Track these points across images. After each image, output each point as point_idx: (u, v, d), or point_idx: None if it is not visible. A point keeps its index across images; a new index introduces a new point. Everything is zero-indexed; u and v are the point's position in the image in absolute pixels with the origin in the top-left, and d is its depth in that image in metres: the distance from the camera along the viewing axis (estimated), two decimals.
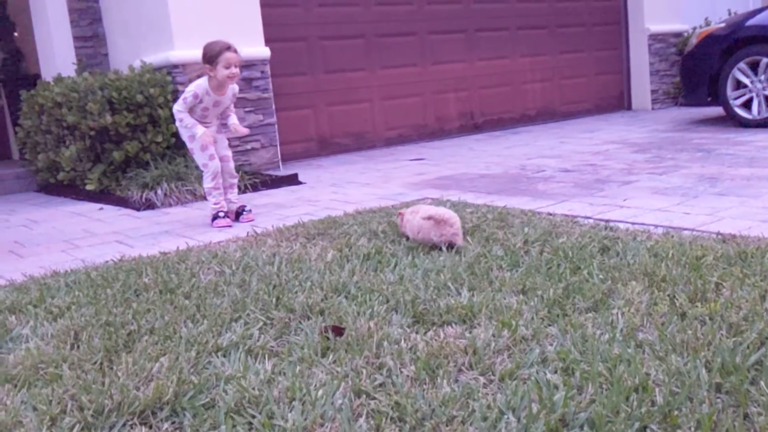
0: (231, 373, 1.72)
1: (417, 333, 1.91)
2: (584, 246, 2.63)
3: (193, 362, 1.81)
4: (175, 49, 5.39)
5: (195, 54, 5.39)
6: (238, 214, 3.95)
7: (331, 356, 1.79)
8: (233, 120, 3.96)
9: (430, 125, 7.48)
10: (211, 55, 3.71)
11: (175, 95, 5.35)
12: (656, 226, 2.97)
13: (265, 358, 1.82)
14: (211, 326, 2.05)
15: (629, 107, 9.03)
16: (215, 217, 3.85)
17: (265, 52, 5.79)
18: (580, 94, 8.60)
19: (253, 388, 1.62)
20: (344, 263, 2.66)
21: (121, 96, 5.05)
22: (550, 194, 3.95)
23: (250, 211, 3.98)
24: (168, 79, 5.32)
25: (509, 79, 8.00)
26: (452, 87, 7.57)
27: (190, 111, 3.83)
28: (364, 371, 1.68)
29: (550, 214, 3.36)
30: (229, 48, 3.71)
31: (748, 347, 1.61)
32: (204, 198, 4.70)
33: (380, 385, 1.62)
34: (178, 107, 3.82)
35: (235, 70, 3.74)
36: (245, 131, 4.02)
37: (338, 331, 1.94)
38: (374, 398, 1.55)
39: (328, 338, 1.90)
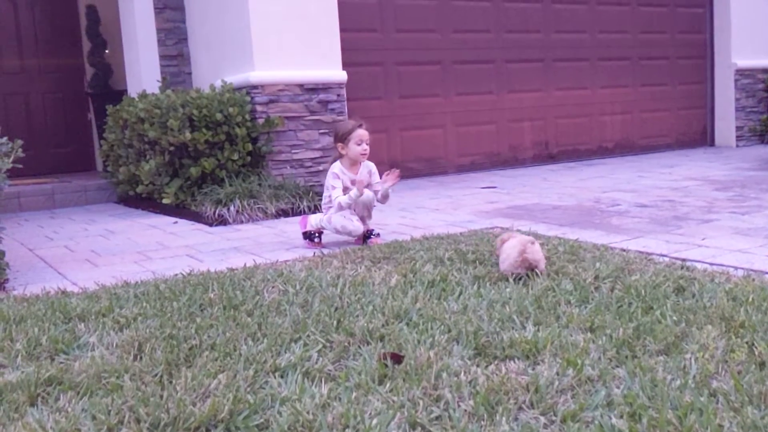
0: (286, 395, 1.71)
1: (478, 366, 1.86)
2: (658, 285, 2.52)
3: (250, 381, 1.81)
4: (256, 69, 5.52)
5: (274, 75, 5.57)
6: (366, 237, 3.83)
7: (388, 384, 1.76)
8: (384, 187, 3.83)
9: (504, 153, 7.40)
10: (344, 133, 3.76)
11: (253, 115, 5.48)
12: (736, 268, 2.82)
13: (321, 381, 1.81)
14: (270, 345, 2.06)
15: (712, 143, 8.71)
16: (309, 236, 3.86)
17: (341, 75, 5.87)
18: (660, 127, 8.36)
19: (308, 412, 1.60)
20: (408, 289, 2.63)
21: (201, 114, 5.20)
22: (624, 229, 3.82)
23: (378, 234, 3.86)
24: (246, 99, 5.45)
25: (587, 110, 7.86)
26: (528, 116, 7.49)
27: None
28: (421, 402, 1.64)
29: (624, 250, 3.25)
30: (360, 125, 3.76)
31: None
32: (275, 216, 4.79)
33: (437, 418, 1.57)
34: (336, 195, 3.73)
35: (367, 147, 3.77)
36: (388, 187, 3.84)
37: (397, 358, 1.91)
38: (429, 431, 1.51)
39: (386, 365, 1.87)
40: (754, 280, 2.58)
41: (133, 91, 6.34)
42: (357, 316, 2.31)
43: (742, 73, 8.44)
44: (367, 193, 3.74)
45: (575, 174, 6.61)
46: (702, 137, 8.72)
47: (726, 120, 8.55)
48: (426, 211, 4.81)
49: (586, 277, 2.70)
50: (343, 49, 5.93)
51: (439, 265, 3.04)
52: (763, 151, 7.79)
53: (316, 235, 3.82)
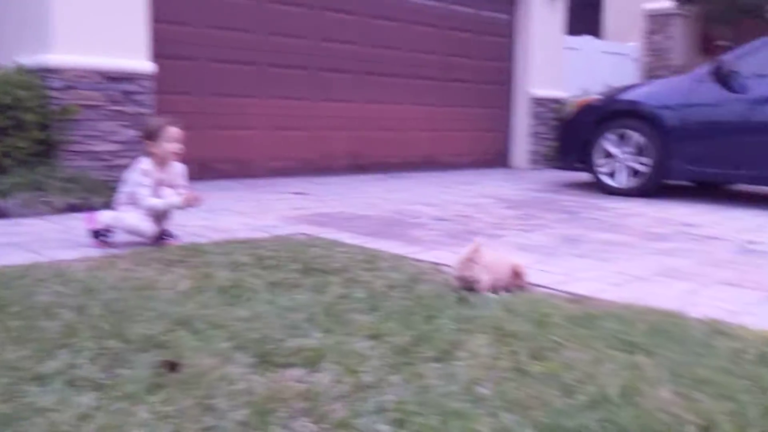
0: (45, 405, 1.58)
1: (257, 374, 1.84)
2: (443, 295, 2.65)
3: (5, 389, 1.65)
4: (53, 52, 5.11)
5: (74, 60, 5.18)
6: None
7: (160, 394, 1.68)
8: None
9: (316, 161, 7.45)
10: (154, 130, 3.60)
11: (48, 101, 5.07)
12: None
13: (87, 390, 1.69)
14: (34, 351, 1.89)
15: (508, 165, 9.39)
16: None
17: (148, 66, 5.61)
18: (463, 147, 8.86)
19: (66, 423, 1.49)
20: (197, 294, 2.55)
21: None
22: (421, 241, 3.99)
23: (175, 236, 3.72)
24: (40, 83, 5.03)
25: (398, 124, 8.13)
26: (342, 126, 7.60)
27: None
28: (192, 412, 1.58)
29: (418, 261, 3.38)
30: (172, 123, 3.64)
31: (576, 409, 1.65)
32: (64, 211, 4.44)
33: (206, 428, 1.53)
34: (144, 194, 3.54)
35: (179, 146, 3.64)
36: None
37: (173, 367, 1.83)
38: None
39: (161, 374, 1.78)
40: (528, 292, 2.80)
41: None
42: (137, 321, 2.19)
43: (537, 101, 9.18)
44: (177, 200, 3.61)
45: (383, 186, 6.81)
46: (500, 159, 9.36)
47: (521, 144, 9.25)
48: (230, 214, 4.71)
49: (379, 286, 2.77)
50: (154, 40, 5.66)
51: (236, 270, 2.98)
52: (551, 175, 8.52)
53: (106, 233, 3.59)
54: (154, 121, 3.70)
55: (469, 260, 2.73)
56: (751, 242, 4.22)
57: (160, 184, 3.63)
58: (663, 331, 2.28)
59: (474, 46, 8.78)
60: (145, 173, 3.58)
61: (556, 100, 9.35)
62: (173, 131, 3.62)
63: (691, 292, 2.97)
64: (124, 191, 3.63)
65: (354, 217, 4.82)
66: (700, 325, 2.39)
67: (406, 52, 8.08)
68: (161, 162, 3.64)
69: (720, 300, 2.86)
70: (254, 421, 1.56)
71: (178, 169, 3.75)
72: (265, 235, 3.93)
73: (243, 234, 3.92)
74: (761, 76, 5.87)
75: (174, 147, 3.62)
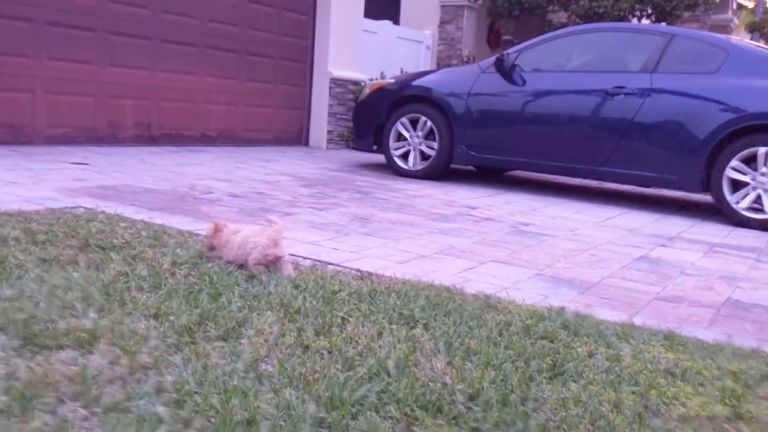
0: None
1: (21, 357, 1.69)
2: (231, 272, 2.61)
3: None
4: None
5: None
6: None
7: None
8: None
9: (102, 129, 6.97)
10: None
11: None
12: (305, 258, 3.07)
13: None
14: None
15: (307, 143, 9.45)
16: None
17: None
18: (262, 123, 8.76)
19: None
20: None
21: None
22: (213, 216, 3.88)
23: None
24: None
25: (193, 96, 7.84)
26: (131, 94, 7.17)
27: None
28: None
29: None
30: None
31: (356, 382, 1.71)
32: None
33: None
34: None
35: None
36: None
37: None
38: None
39: None
40: (318, 270, 2.84)
41: None
42: None
43: (336, 82, 9.31)
44: None
45: (176, 159, 6.54)
46: (299, 137, 9.39)
47: (320, 123, 9.34)
48: (0, 184, 4.26)
49: (163, 263, 2.66)
50: None
51: (2, 245, 2.71)
52: (348, 155, 8.71)
53: None
54: None
55: (216, 230, 2.84)
56: (523, 224, 4.63)
57: None
58: (440, 305, 2.43)
59: (276, 21, 8.69)
60: None
61: (354, 82, 9.54)
62: None
63: (468, 270, 3.20)
64: None
65: (141, 190, 4.58)
66: (473, 300, 2.58)
67: (206, 22, 7.80)
68: None
69: (493, 277, 3.10)
70: (15, 407, 1.43)
71: None
72: (39, 207, 3.61)
73: (13, 206, 3.56)
74: (538, 71, 6.42)
75: None
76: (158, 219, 3.64)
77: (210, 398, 1.53)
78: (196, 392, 1.57)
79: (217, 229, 2.84)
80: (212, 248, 2.85)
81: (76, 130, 6.73)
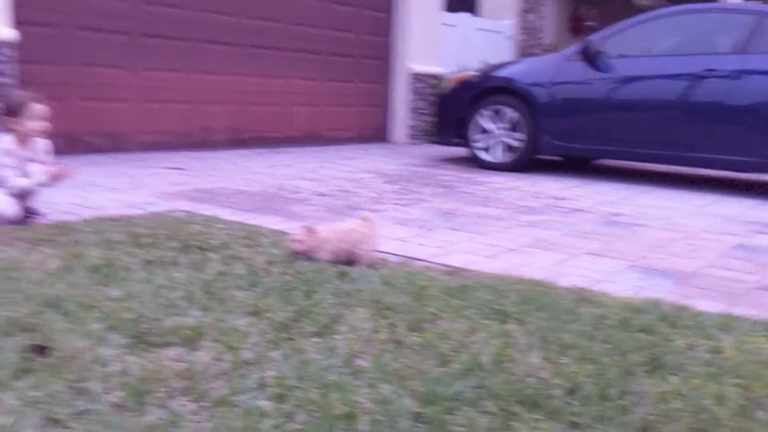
0: None
1: (133, 354, 1.79)
2: (323, 270, 2.67)
3: None
4: None
5: None
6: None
7: (29, 379, 1.61)
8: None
9: (195, 135, 7.24)
10: (16, 106, 3.38)
11: None
12: (393, 255, 3.11)
13: None
14: None
15: (388, 140, 9.51)
16: None
17: (9, 33, 5.22)
18: (344, 122, 8.88)
19: None
20: (66, 274, 2.44)
21: None
22: (302, 216, 3.98)
23: (42, 214, 3.53)
24: None
25: (279, 99, 8.03)
26: (221, 99, 7.41)
27: None
28: (64, 396, 1.53)
29: None
30: (36, 99, 3.43)
31: (452, 377, 1.73)
32: None
33: (79, 412, 1.48)
34: (7, 174, 3.35)
35: (45, 123, 3.46)
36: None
37: (42, 350, 1.75)
38: (69, 427, 1.42)
39: (29, 359, 1.71)
40: (406, 266, 2.87)
41: None
42: (2, 304, 2.07)
43: (416, 77, 9.32)
44: (43, 178, 3.43)
45: (264, 161, 6.72)
46: (380, 134, 9.46)
47: (400, 119, 9.38)
48: (102, 191, 4.51)
49: (258, 262, 2.76)
50: (20, 6, 5.27)
51: (108, 248, 2.87)
52: (429, 150, 8.71)
53: None
54: (16, 97, 3.47)
55: (309, 230, 2.87)
56: (614, 214, 4.52)
57: (24, 161, 3.44)
58: (533, 299, 2.42)
59: (355, 21, 8.78)
60: (8, 152, 3.39)
61: (434, 76, 9.53)
62: (37, 108, 3.42)
63: (559, 263, 3.16)
64: None
65: (234, 192, 4.74)
66: (567, 294, 2.55)
67: (289, 25, 7.96)
68: (24, 139, 3.44)
69: (585, 269, 3.05)
70: (130, 402, 1.53)
71: (43, 145, 3.56)
72: (140, 212, 3.80)
73: (116, 211, 3.77)
74: (624, 56, 6.24)
75: (38, 125, 3.44)
76: (252, 219, 3.76)
77: (310, 393, 1.59)
78: (296, 387, 1.63)
79: (310, 232, 2.88)
80: (304, 252, 2.89)
81: (170, 136, 7.02)
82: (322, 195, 4.81)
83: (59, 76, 6.00)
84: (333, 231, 2.89)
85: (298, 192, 4.89)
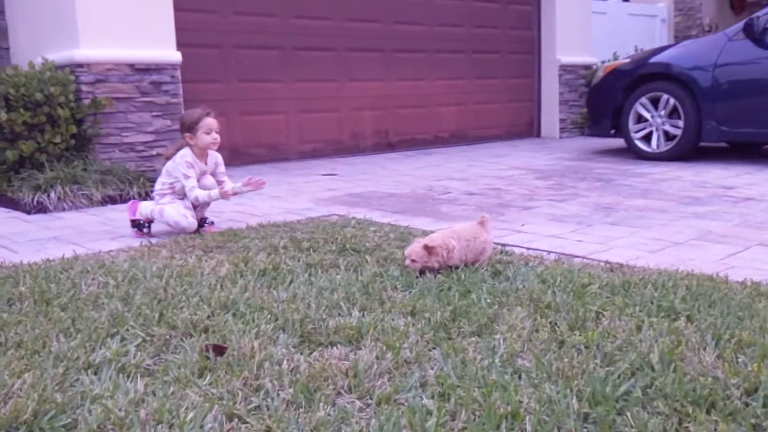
0: (99, 392, 1.64)
1: (301, 354, 1.88)
2: (477, 269, 2.66)
3: (59, 379, 1.71)
4: (81, 47, 5.18)
5: (101, 53, 5.25)
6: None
7: (208, 377, 1.73)
8: (228, 185, 3.75)
9: (345, 141, 7.47)
10: (191, 122, 3.62)
11: (79, 95, 5.15)
12: (549, 252, 3.04)
13: (138, 377, 1.74)
14: (84, 341, 1.95)
15: (539, 135, 9.30)
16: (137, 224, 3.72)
17: (176, 56, 5.65)
18: (492, 119, 8.80)
19: (120, 409, 1.54)
20: (237, 279, 2.59)
21: (19, 93, 4.81)
22: (452, 216, 3.99)
23: (213, 223, 3.82)
24: (70, 78, 5.11)
25: (425, 100, 8.10)
26: (369, 105, 7.60)
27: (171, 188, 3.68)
28: (241, 393, 1.63)
29: None
30: (209, 114, 3.64)
31: (618, 377, 1.66)
32: (101, 203, 4.53)
33: (255, 408, 1.57)
34: (191, 182, 3.61)
35: (217, 137, 3.67)
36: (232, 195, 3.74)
37: (220, 350, 1.88)
38: (246, 422, 1.50)
39: (208, 358, 1.83)
40: (563, 263, 2.79)
41: None
42: (181, 308, 2.25)
43: (565, 68, 9.06)
44: (218, 192, 3.65)
45: (412, 163, 6.81)
46: (530, 129, 9.28)
47: (551, 113, 9.15)
48: (264, 199, 4.76)
49: None
50: (179, 30, 5.70)
51: (273, 253, 3.02)
52: (583, 142, 8.43)
53: (146, 224, 3.66)
54: (192, 114, 3.68)
55: (431, 253, 2.64)
56: None
57: (201, 174, 3.70)
58: (703, 295, 2.27)
59: (499, 16, 8.68)
60: (190, 165, 3.63)
61: (585, 66, 9.21)
62: (210, 122, 3.63)
63: (730, 256, 2.94)
64: (166, 183, 3.68)
65: (385, 195, 4.84)
66: (740, 288, 2.37)
67: (432, 27, 8.02)
68: (200, 153, 3.69)
69: (760, 262, 2.82)
70: (301, 399, 1.60)
71: (216, 158, 3.81)
72: (300, 217, 3.97)
73: (278, 217, 3.96)
74: None
75: (212, 138, 3.64)
76: (402, 221, 3.82)
77: (472, 392, 1.58)
78: (458, 386, 1.63)
79: (431, 253, 2.64)
80: (422, 269, 2.65)
81: (323, 144, 7.29)
82: (472, 194, 4.79)
83: (221, 94, 6.41)
84: (455, 238, 2.69)
85: (448, 192, 4.90)
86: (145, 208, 3.66)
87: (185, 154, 3.64)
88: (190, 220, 3.61)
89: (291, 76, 6.96)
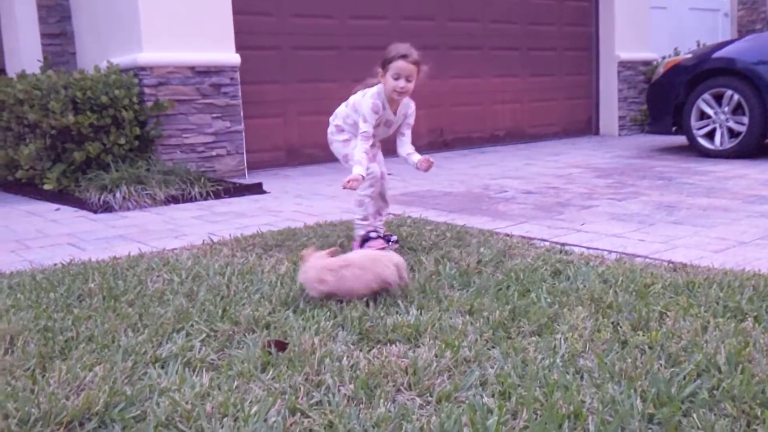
0: (166, 386, 1.69)
1: (361, 350, 1.89)
2: (536, 269, 2.64)
3: (128, 373, 1.77)
4: (143, 51, 5.33)
5: (163, 57, 5.39)
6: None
7: (271, 372, 1.77)
8: (415, 156, 3.16)
9: None
10: (386, 59, 2.99)
11: (142, 98, 5.30)
12: (610, 252, 2.99)
13: (203, 371, 1.79)
14: (151, 336, 2.02)
15: (597, 132, 9.14)
16: (366, 239, 3.10)
17: (235, 58, 5.76)
18: (549, 117, 8.69)
19: (186, 402, 1.59)
20: (297, 276, 2.63)
21: (85, 96, 4.98)
22: (509, 215, 3.96)
23: (397, 241, 3.20)
24: (134, 81, 5.26)
25: (480, 98, 8.05)
26: (423, 103, 7.51)
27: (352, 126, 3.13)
28: (302, 388, 1.65)
29: (508, 235, 3.37)
30: (405, 56, 2.97)
31: (684, 378, 1.62)
32: (164, 203, 4.65)
33: (317, 403, 1.60)
34: (365, 128, 3.03)
35: (406, 85, 2.98)
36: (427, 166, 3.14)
37: (281, 346, 1.91)
38: (309, 417, 1.53)
39: (270, 353, 1.87)
40: (625, 263, 2.74)
41: (11, 70, 5.98)
42: (243, 304, 2.29)
43: (624, 65, 8.87)
44: (361, 170, 2.97)
45: (468, 161, 6.78)
46: (587, 126, 9.12)
47: (609, 110, 8.98)
48: (322, 198, 4.81)
49: (469, 262, 2.78)
50: (238, 32, 5.81)
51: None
52: (643, 140, 8.24)
53: (389, 238, 3.19)
54: (393, 48, 3.01)
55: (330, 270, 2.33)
56: None
57: (385, 124, 3.13)
58: None
59: (556, 13, 8.56)
60: (376, 109, 3.03)
61: (645, 62, 9.01)
62: (401, 66, 2.96)
63: None
64: (350, 116, 3.19)
65: (440, 194, 4.83)
66: None
67: (486, 24, 7.97)
68: (390, 99, 3.06)
69: None
70: (361, 395, 1.61)
71: (409, 108, 3.16)
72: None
73: (335, 217, 4.00)
74: None
75: (398, 86, 2.98)
76: (459, 220, 3.81)
77: (533, 391, 1.57)
78: (518, 385, 1.62)
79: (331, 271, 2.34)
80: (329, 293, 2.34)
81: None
82: (530, 193, 4.74)
83: (279, 94, 6.50)
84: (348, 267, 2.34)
85: (504, 191, 4.87)
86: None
87: (377, 93, 3.05)
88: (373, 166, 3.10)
89: (347, 76, 6.99)
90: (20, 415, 1.53)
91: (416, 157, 3.15)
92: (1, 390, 1.66)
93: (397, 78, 2.98)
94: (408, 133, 3.21)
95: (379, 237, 3.13)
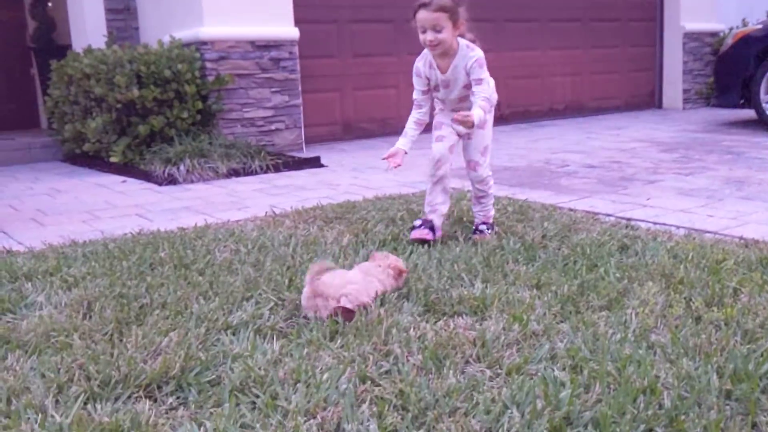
0: (238, 352, 1.73)
1: (427, 322, 1.90)
2: (603, 244, 2.59)
3: (201, 339, 1.82)
4: (205, 25, 5.39)
5: (224, 31, 5.45)
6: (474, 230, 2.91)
7: (339, 341, 1.79)
8: (475, 112, 2.61)
9: None
10: (414, 10, 2.69)
11: (203, 72, 5.37)
12: (678, 227, 2.92)
13: (273, 338, 1.82)
14: (222, 304, 2.06)
15: (660, 106, 8.89)
16: (412, 227, 2.80)
17: (293, 32, 5.78)
18: (610, 89, 8.47)
19: (259, 368, 1.62)
20: (359, 248, 2.65)
21: (149, 70, 5.07)
22: (572, 189, 3.90)
23: (483, 232, 2.85)
24: (196, 56, 5.33)
25: (538, 71, 7.90)
26: None
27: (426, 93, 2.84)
28: (371, 357, 1.67)
29: (571, 210, 3.32)
30: (425, 4, 2.64)
31: (761, 355, 1.58)
32: (226, 176, 4.73)
33: (386, 372, 1.61)
34: (414, 95, 2.91)
35: (435, 37, 2.63)
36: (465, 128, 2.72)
37: (348, 315, 1.93)
38: (379, 385, 1.54)
39: (337, 322, 1.89)
40: (694, 238, 2.68)
41: (78, 46, 6.13)
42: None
43: (690, 36, 8.58)
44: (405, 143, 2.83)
45: (526, 135, 6.68)
46: (650, 99, 8.88)
47: (674, 83, 8.71)
48: (378, 172, 4.81)
49: (533, 236, 2.75)
50: (296, 6, 5.82)
51: (391, 224, 3.06)
52: (708, 113, 7.98)
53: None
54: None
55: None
56: None
57: (436, 86, 2.84)
58: None
59: None
60: (417, 73, 2.81)
61: (711, 33, 8.69)
62: (418, 17, 2.66)
63: None
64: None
65: (500, 169, 4.78)
66: None
67: None
68: (436, 57, 2.73)
69: None
70: (430, 366, 1.62)
71: (467, 61, 2.73)
72: (414, 190, 3.99)
73: (392, 190, 4.00)
74: None
75: (425, 38, 2.67)
76: (520, 194, 3.77)
77: (605, 365, 1.55)
78: (590, 359, 1.61)
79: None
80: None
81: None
82: (592, 167, 4.65)
83: (336, 69, 6.50)
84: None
85: (566, 165, 4.78)
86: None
87: (422, 55, 2.78)
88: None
89: (402, 50, 6.95)
90: (101, 377, 1.59)
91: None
92: (83, 353, 1.72)
93: (423, 31, 2.63)
94: (477, 90, 2.70)
95: (422, 226, 2.76)
